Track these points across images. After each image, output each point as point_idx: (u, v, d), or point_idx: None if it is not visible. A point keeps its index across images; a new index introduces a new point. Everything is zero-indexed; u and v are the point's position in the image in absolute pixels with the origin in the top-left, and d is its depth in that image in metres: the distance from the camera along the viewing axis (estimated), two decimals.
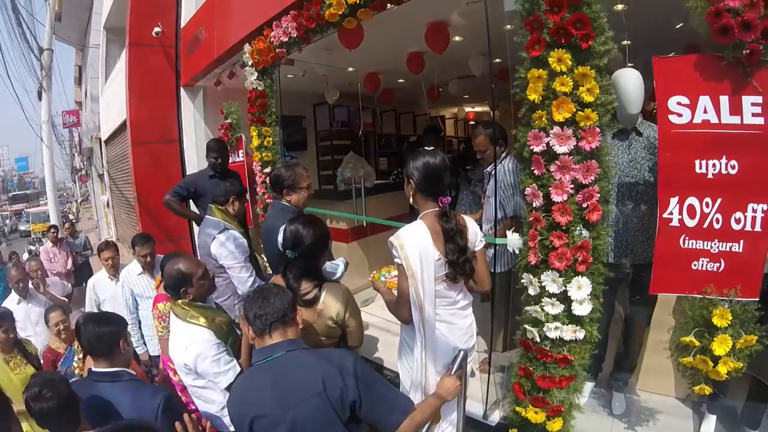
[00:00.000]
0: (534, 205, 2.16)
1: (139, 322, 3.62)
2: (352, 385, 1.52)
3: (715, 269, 1.96)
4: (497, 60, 2.81)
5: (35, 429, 2.64)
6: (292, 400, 1.49)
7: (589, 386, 2.97)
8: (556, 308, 2.15)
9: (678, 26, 3.64)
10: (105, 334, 1.91)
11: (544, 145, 2.07)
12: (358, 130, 7.37)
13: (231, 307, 3.12)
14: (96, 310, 3.83)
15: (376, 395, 1.60)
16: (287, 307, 1.66)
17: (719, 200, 1.91)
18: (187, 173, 6.59)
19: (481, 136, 3.16)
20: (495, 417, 2.83)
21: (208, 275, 2.35)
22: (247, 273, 3.08)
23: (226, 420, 2.12)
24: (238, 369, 2.19)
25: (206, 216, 3.28)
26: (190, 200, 4.45)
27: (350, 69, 5.88)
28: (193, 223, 5.94)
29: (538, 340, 2.22)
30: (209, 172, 4.34)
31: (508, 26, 2.25)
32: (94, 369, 1.94)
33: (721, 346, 1.89)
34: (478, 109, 10.58)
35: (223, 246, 3.06)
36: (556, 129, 2.02)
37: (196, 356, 2.11)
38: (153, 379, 2.64)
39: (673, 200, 1.97)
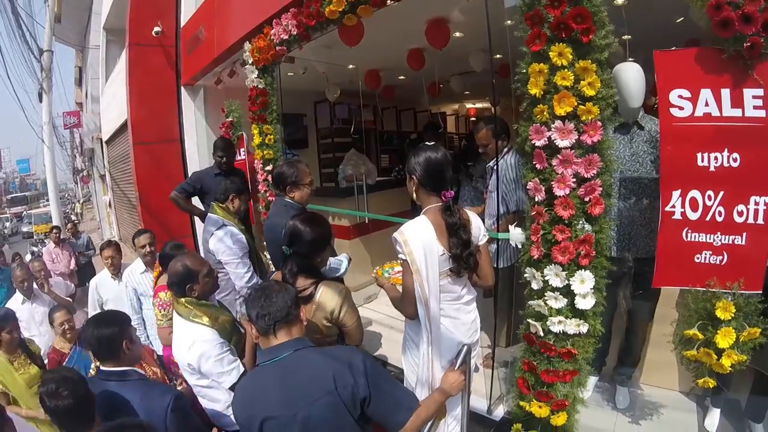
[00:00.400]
0: (536, 200, 2.16)
1: (144, 322, 3.63)
2: (363, 383, 1.51)
3: (718, 262, 1.95)
4: (498, 56, 2.81)
5: None
6: (303, 400, 1.48)
7: (592, 380, 2.98)
8: (560, 302, 2.15)
9: (678, 20, 3.63)
10: (105, 337, 1.91)
11: (546, 139, 2.07)
12: (352, 126, 7.34)
13: (232, 303, 3.17)
14: (99, 311, 3.84)
15: (385, 392, 1.59)
16: (291, 305, 1.62)
17: (721, 193, 1.90)
18: (189, 172, 6.60)
19: (483, 131, 3.20)
20: (499, 412, 2.84)
21: (213, 272, 2.36)
22: (244, 269, 3.12)
23: (230, 419, 2.12)
24: (242, 369, 2.19)
25: (208, 214, 3.33)
26: (197, 197, 4.49)
27: (351, 66, 5.88)
28: (197, 222, 5.97)
29: (541, 334, 2.22)
30: (215, 170, 4.39)
31: (509, 22, 2.25)
32: (102, 368, 1.95)
33: (724, 339, 1.89)
34: (479, 105, 10.58)
35: (220, 242, 3.11)
36: (558, 123, 2.02)
37: (199, 356, 2.11)
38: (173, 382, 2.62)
39: (675, 193, 1.97)
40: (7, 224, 27.58)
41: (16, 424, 1.87)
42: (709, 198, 1.92)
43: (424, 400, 1.77)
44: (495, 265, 2.71)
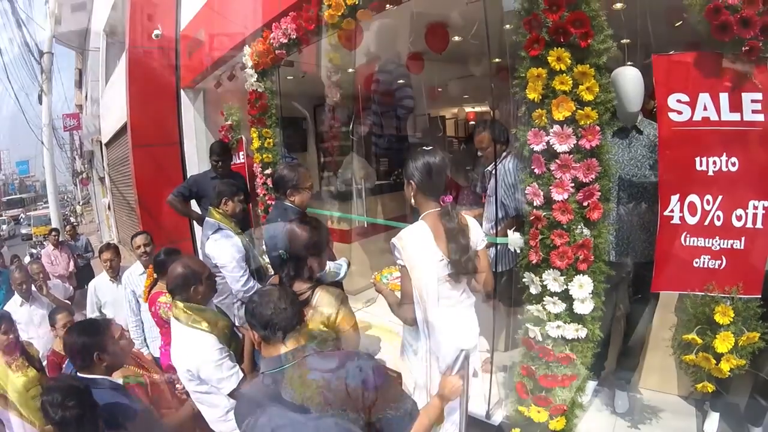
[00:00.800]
0: (535, 204, 2.16)
1: (143, 324, 3.61)
2: (372, 388, 1.50)
3: (716, 266, 1.96)
4: (497, 60, 2.81)
5: None
6: (314, 407, 1.46)
7: (591, 385, 2.97)
8: (558, 307, 2.15)
9: (677, 24, 3.63)
10: (77, 346, 1.93)
11: (545, 143, 2.07)
12: (350, 127, 7.30)
13: (229, 306, 3.16)
14: (98, 313, 3.84)
15: (390, 399, 1.57)
16: (298, 311, 1.61)
17: (720, 197, 1.91)
18: (188, 175, 6.58)
19: (483, 134, 3.20)
20: (498, 417, 2.82)
21: (212, 276, 2.35)
22: (240, 272, 3.10)
23: (229, 425, 2.11)
24: (241, 375, 2.18)
25: (205, 218, 3.33)
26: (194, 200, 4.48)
27: (350, 70, 5.88)
28: (195, 226, 5.96)
29: (540, 338, 2.22)
30: (211, 173, 4.37)
31: (508, 26, 2.25)
32: (78, 374, 1.96)
33: (723, 343, 1.89)
34: (478, 109, 10.57)
35: (216, 244, 3.11)
36: (556, 127, 2.02)
37: (199, 362, 2.10)
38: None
39: (674, 198, 1.97)
40: (4, 227, 27.48)
41: (16, 425, 1.88)
42: (708, 202, 1.93)
43: (424, 407, 1.76)
44: (494, 270, 2.70)
